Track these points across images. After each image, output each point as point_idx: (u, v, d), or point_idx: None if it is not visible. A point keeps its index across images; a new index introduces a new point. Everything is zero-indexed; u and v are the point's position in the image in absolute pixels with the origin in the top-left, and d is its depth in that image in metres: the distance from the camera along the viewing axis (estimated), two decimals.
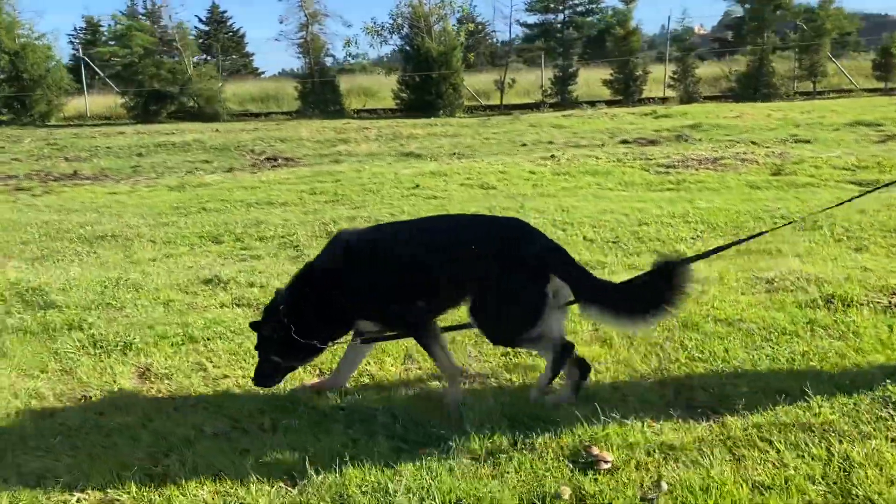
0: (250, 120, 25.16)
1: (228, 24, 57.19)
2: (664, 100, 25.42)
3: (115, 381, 3.73)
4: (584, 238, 6.12)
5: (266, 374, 3.42)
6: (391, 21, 25.68)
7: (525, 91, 27.91)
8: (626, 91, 25.35)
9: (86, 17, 43.67)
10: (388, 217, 7.27)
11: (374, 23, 25.51)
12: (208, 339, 4.21)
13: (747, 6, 25.23)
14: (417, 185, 9.19)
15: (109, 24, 29.14)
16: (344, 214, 7.64)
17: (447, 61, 24.99)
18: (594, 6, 25.23)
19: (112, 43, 26.19)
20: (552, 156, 10.87)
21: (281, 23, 25.73)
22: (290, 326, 3.29)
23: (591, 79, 26.65)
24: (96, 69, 28.47)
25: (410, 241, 3.35)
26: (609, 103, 25.24)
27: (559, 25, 25.57)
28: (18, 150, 16.39)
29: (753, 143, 11.23)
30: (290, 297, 3.39)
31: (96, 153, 15.50)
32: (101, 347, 4.17)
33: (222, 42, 43.94)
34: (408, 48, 25.73)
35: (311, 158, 13.56)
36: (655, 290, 3.01)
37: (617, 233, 6.23)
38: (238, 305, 4.84)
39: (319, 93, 25.61)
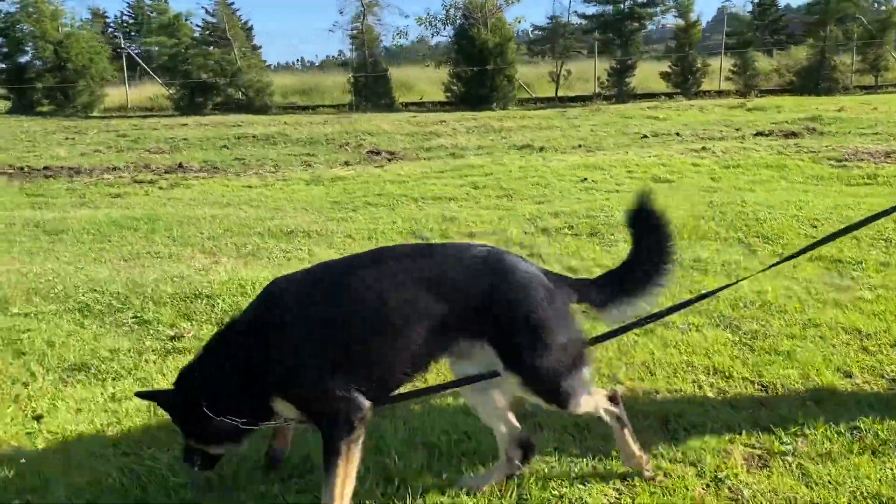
0: (298, 113, 24.60)
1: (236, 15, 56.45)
2: (720, 93, 24.95)
3: None
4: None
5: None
6: (444, 12, 25.04)
7: (571, 83, 27.35)
8: (684, 84, 24.82)
9: (131, 5, 42.67)
10: (586, 212, 6.81)
11: (428, 13, 24.79)
12: None
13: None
14: (585, 179, 8.69)
15: (150, 14, 28.54)
16: (545, 210, 7.15)
17: (502, 52, 24.48)
18: None
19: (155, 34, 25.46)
20: (703, 148, 10.37)
21: (341, 13, 25.04)
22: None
23: (645, 71, 26.10)
24: (138, 60, 27.86)
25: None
26: (668, 96, 24.78)
27: (618, 17, 24.97)
28: (90, 142, 15.82)
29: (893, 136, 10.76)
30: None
31: (176, 145, 14.94)
32: None
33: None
34: (462, 40, 25.13)
35: (415, 151, 13.03)
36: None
37: None
38: None
39: (372, 86, 25.03)
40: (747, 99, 20.07)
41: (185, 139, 15.76)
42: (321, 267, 2.69)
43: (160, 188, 9.82)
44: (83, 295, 4.88)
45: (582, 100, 25.84)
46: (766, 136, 11.58)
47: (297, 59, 59.76)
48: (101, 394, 3.49)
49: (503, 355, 2.40)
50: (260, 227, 7.02)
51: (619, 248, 5.75)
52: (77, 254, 6.32)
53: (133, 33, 36.77)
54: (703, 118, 14.99)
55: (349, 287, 2.40)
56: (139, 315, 4.51)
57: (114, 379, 3.66)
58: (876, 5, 24.02)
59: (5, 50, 25.77)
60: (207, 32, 25.78)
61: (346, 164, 11.80)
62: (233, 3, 25.64)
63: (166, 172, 11.28)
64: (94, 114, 25.62)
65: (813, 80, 24.34)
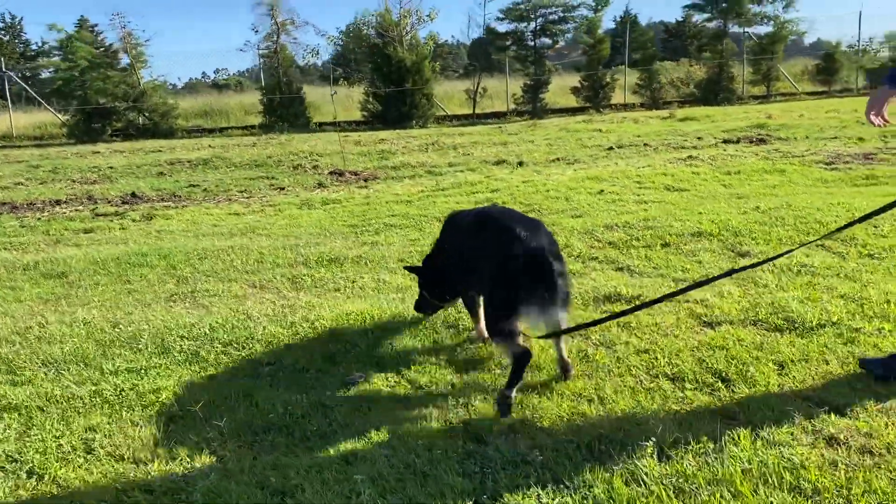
0: (206, 135, 23.36)
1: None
2: (626, 106, 25.90)
3: None
4: None
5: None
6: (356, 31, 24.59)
7: (482, 101, 27.53)
8: (594, 98, 25.58)
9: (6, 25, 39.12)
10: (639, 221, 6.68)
11: (340, 32, 24.22)
12: None
13: (708, 14, 26.16)
14: (602, 191, 8.57)
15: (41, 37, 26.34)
16: (591, 223, 6.93)
17: (419, 70, 24.34)
18: (567, 14, 25.17)
19: (55, 55, 23.44)
20: (690, 157, 10.53)
21: (256, 32, 23.85)
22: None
23: (556, 87, 26.73)
24: (23, 85, 25.60)
25: None
26: (575, 111, 25.45)
27: (531, 34, 25.42)
28: (4, 174, 14.23)
29: (861, 139, 11.37)
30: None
31: (105, 174, 13.70)
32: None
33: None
34: (378, 58, 24.78)
35: (380, 171, 12.55)
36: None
37: None
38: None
39: (288, 106, 24.15)
40: (670, 110, 20.86)
41: (110, 167, 14.49)
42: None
43: (133, 221, 8.85)
44: (181, 342, 4.18)
45: (496, 116, 26.09)
46: (736, 143, 11.96)
47: (201, 75, 56.99)
48: (334, 453, 2.90)
49: None
50: (295, 257, 6.39)
51: (703, 258, 5.62)
52: (106, 298, 5.48)
53: (18, 57, 33.87)
54: (647, 129, 15.37)
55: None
56: (290, 363, 3.90)
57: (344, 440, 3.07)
58: (765, 21, 25.67)
59: None
60: (104, 51, 24.05)
61: (321, 185, 11.14)
62: (130, 23, 23.97)
63: (124, 203, 10.23)
64: None
65: (713, 91, 25.75)
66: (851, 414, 3.04)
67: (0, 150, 20.60)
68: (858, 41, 27.56)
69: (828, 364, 3.53)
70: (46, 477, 2.87)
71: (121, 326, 4.60)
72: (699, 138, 12.94)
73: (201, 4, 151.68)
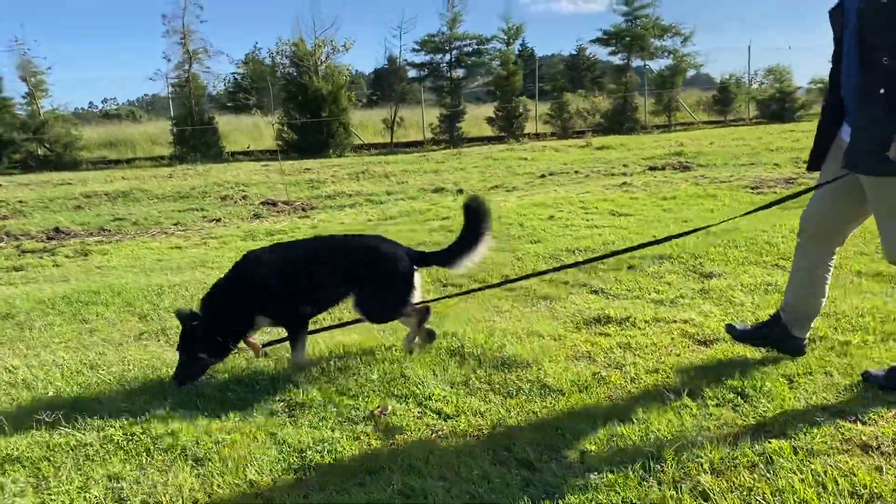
0: (114, 167, 22.38)
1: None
2: (538, 135, 26.65)
3: None
4: None
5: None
6: (269, 59, 24.29)
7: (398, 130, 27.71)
8: (509, 128, 26.20)
9: None
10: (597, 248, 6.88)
11: (251, 58, 23.87)
12: None
13: (613, 48, 27.37)
14: (552, 217, 8.77)
15: None
16: (552, 247, 7.07)
17: (336, 100, 24.28)
18: (481, 47, 25.76)
19: None
20: (624, 183, 10.94)
21: (168, 60, 23.01)
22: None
23: (470, 117, 27.21)
24: None
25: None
26: (491, 139, 25.98)
27: (446, 65, 25.86)
28: None
29: (776, 165, 12.14)
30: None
31: (15, 208, 12.90)
32: None
33: None
34: (293, 87, 24.56)
35: (315, 200, 12.40)
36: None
37: None
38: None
39: (200, 136, 23.47)
40: (585, 139, 21.61)
41: (20, 201, 13.64)
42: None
43: (67, 257, 8.35)
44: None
45: (413, 145, 26.29)
46: (661, 170, 12.52)
47: (88, 105, 54.15)
48: (389, 489, 2.81)
49: None
50: None
51: (671, 280, 5.83)
52: (68, 339, 5.13)
53: None
54: (570, 157, 15.88)
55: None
56: (304, 399, 3.76)
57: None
58: (665, 55, 27.13)
59: None
60: None
61: (257, 216, 10.88)
62: (28, 51, 22.78)
63: (49, 239, 9.65)
64: None
65: (618, 121, 26.90)
66: (869, 421, 3.23)
67: None
68: (748, 74, 29.58)
69: (832, 376, 3.73)
70: None
71: (102, 368, 4.33)
72: (625, 165, 13.48)
73: (89, 27, 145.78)
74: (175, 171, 18.34)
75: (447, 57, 25.73)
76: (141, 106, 50.61)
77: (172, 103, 24.89)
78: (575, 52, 30.47)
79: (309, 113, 23.79)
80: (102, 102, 58.16)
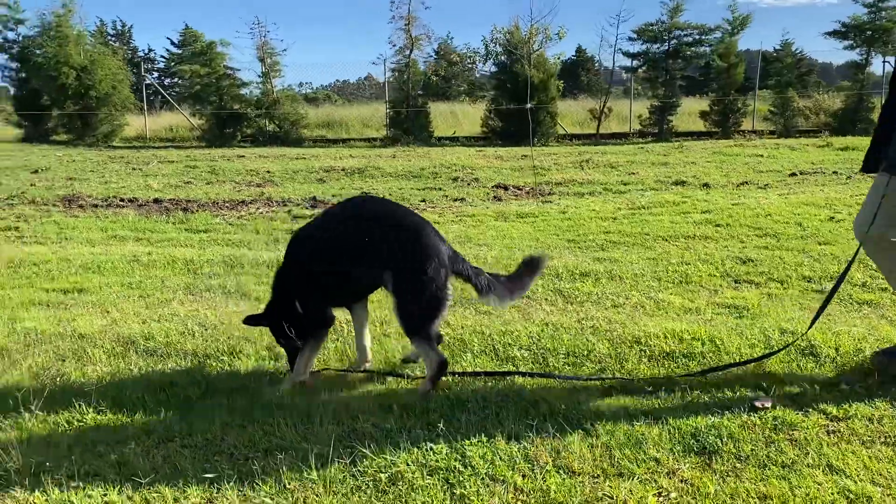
0: (331, 146, 23.63)
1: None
2: (755, 132, 24.90)
3: None
4: None
5: None
6: (483, 47, 24.55)
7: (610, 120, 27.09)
8: (723, 124, 24.74)
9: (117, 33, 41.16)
10: None
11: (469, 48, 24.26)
12: None
13: (851, 42, 25.02)
14: (832, 218, 8.03)
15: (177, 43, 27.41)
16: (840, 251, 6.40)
17: (546, 89, 24.09)
18: (703, 37, 24.54)
19: (192, 62, 24.17)
20: None
21: (393, 45, 24.02)
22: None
23: (684, 110, 25.99)
24: (160, 90, 26.62)
25: None
26: (701, 135, 24.65)
27: (663, 55, 24.88)
28: (159, 173, 14.65)
29: None
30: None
31: (266, 178, 13.89)
32: None
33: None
34: (503, 75, 24.71)
35: (549, 187, 12.27)
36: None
37: None
38: None
39: (413, 119, 24.26)
40: (822, 138, 19.94)
41: (268, 171, 14.71)
42: None
43: None
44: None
45: (618, 137, 25.57)
46: None
47: (331, 83, 57.90)
48: None
49: None
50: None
51: None
52: None
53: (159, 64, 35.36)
54: (817, 156, 14.67)
55: None
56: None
57: None
58: None
59: (23, 75, 24.24)
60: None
61: (496, 198, 10.95)
62: (269, 33, 24.61)
63: (313, 207, 10.27)
64: (116, 143, 24.26)
65: (850, 121, 24.55)
66: None
67: (140, 150, 21.38)
68: None
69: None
70: None
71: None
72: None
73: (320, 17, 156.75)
74: (396, 151, 19.03)
75: (664, 47, 24.69)
76: (334, 90, 53.28)
77: (389, 87, 25.91)
78: (779, 47, 27.79)
79: (517, 101, 23.81)
80: (298, 86, 62.01)
